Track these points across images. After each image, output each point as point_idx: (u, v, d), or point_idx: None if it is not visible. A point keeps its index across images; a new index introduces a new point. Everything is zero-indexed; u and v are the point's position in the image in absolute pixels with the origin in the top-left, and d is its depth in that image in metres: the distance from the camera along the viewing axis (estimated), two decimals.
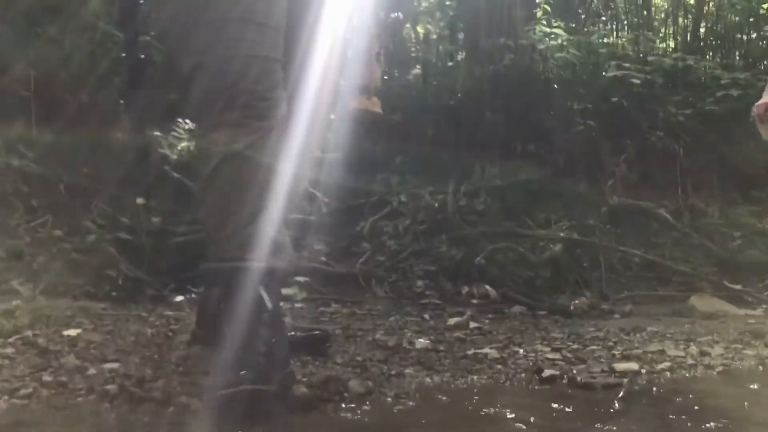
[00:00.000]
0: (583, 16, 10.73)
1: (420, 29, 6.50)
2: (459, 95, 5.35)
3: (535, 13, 5.94)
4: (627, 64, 5.31)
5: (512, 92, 5.45)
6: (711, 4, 6.51)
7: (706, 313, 4.11)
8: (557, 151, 5.28)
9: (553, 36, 5.51)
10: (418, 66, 5.93)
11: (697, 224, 5.16)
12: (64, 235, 3.41)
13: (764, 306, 4.20)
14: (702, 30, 6.67)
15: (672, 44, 6.68)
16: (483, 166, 5.13)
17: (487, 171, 5.11)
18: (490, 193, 5.06)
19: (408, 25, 6.01)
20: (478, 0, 5.75)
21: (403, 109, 5.41)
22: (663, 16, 7.05)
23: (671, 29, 6.82)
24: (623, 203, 5.13)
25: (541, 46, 5.34)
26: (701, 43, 6.51)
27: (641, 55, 5.59)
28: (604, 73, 5.17)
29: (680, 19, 6.68)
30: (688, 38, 6.52)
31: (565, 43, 5.44)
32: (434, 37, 6.07)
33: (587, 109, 5.31)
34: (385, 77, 5.29)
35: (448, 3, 6.19)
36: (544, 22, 5.80)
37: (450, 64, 6.08)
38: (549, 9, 5.93)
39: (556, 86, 5.38)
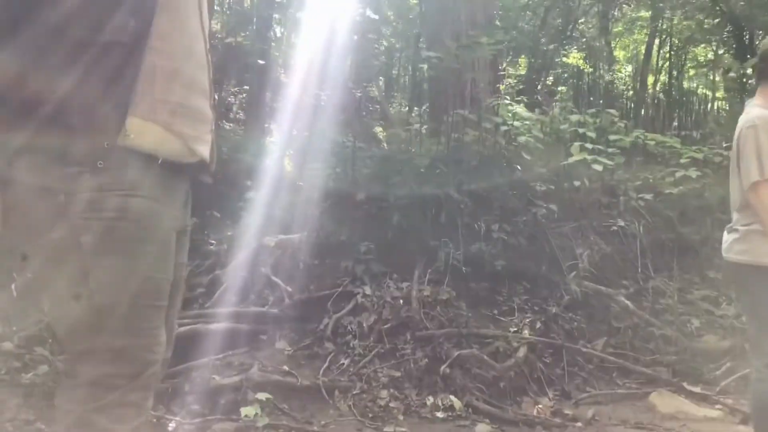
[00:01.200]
0: (545, 93, 10.90)
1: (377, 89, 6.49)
2: (422, 171, 5.33)
3: (498, 87, 5.97)
4: (589, 145, 5.37)
5: (475, 170, 5.47)
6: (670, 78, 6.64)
7: (666, 414, 4.21)
8: (520, 233, 5.30)
9: (516, 116, 5.54)
10: (383, 142, 5.93)
11: (656, 307, 5.24)
12: None
13: (721, 405, 4.28)
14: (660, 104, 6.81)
15: (632, 119, 6.81)
16: (447, 250, 5.13)
17: (452, 255, 5.11)
18: (454, 278, 5.08)
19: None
20: (446, 72, 5.73)
21: (367, 188, 5.38)
22: (624, 91, 7.20)
23: (632, 105, 6.95)
24: (585, 288, 5.18)
25: (505, 128, 5.36)
26: (662, 118, 6.64)
27: (603, 132, 5.66)
28: (567, 161, 5.21)
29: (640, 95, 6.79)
30: (649, 112, 6.65)
31: (528, 123, 5.47)
32: (398, 107, 6.06)
33: (550, 190, 5.35)
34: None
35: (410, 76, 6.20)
36: (508, 98, 5.84)
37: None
38: (513, 83, 5.97)
39: (519, 167, 5.41)
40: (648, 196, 5.31)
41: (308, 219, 5.37)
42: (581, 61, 14.80)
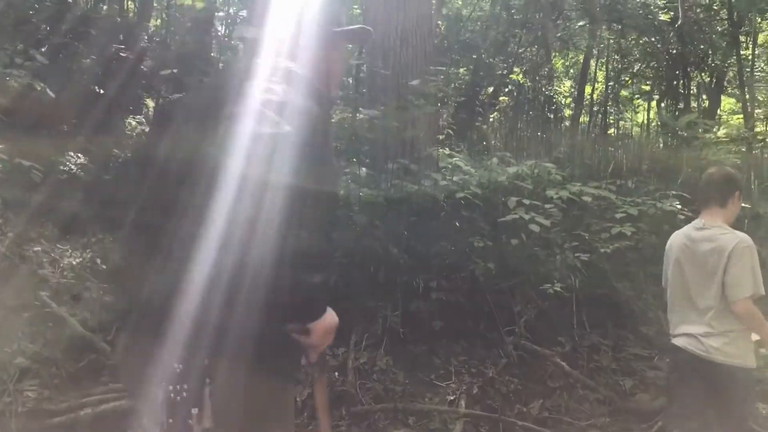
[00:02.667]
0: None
1: None
2: (358, 229, 5.22)
3: (439, 138, 5.91)
4: (527, 201, 5.36)
5: (415, 225, 5.40)
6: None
7: None
8: (458, 291, 5.27)
9: (456, 169, 5.49)
10: None
11: (591, 366, 5.29)
12: None
13: None
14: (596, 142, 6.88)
15: (569, 164, 6.86)
16: (386, 312, 5.06)
17: (389, 317, 5.04)
18: (392, 341, 5.01)
19: None
20: (388, 121, 5.62)
21: None
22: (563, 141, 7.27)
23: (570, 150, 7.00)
24: (521, 348, 5.19)
25: (443, 182, 5.30)
26: (598, 164, 6.71)
27: (540, 186, 5.66)
28: (504, 218, 5.18)
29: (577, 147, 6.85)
30: (582, 154, 6.70)
31: (467, 177, 5.43)
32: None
33: (488, 246, 5.32)
34: None
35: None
36: (447, 150, 5.78)
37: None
38: (452, 132, 5.92)
39: (457, 224, 5.36)
40: (584, 256, 5.34)
41: None
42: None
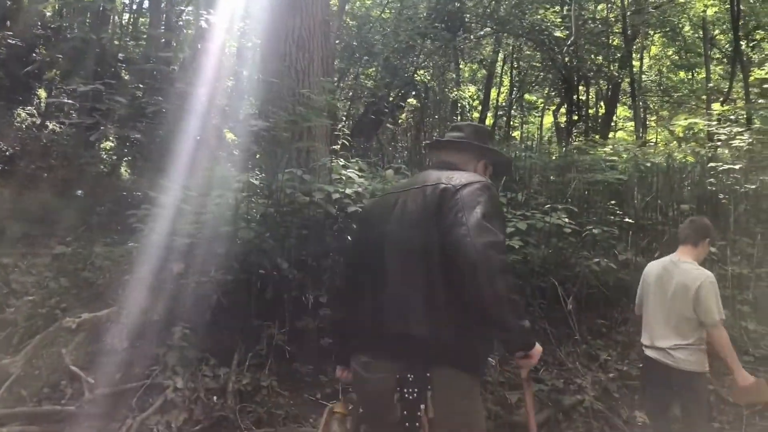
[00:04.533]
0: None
1: None
2: (238, 241, 5.02)
3: (334, 148, 5.78)
4: None
5: (306, 239, 5.26)
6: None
7: None
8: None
9: (349, 181, 5.38)
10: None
11: None
12: None
13: None
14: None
15: None
16: (272, 330, 4.89)
17: (276, 336, 4.88)
18: (277, 360, 4.86)
19: None
20: (279, 132, 5.44)
21: (186, 258, 4.99)
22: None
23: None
24: None
25: (337, 195, 5.18)
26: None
27: None
28: None
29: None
30: None
31: (360, 190, 5.33)
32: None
33: None
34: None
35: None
36: (342, 161, 5.67)
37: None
38: (348, 143, 5.80)
39: (350, 237, 5.25)
40: None
41: (118, 293, 4.92)
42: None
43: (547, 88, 12.72)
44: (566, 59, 8.60)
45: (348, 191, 5.27)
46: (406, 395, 2.04)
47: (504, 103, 16.49)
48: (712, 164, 6.77)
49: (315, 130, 5.72)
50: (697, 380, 3.75)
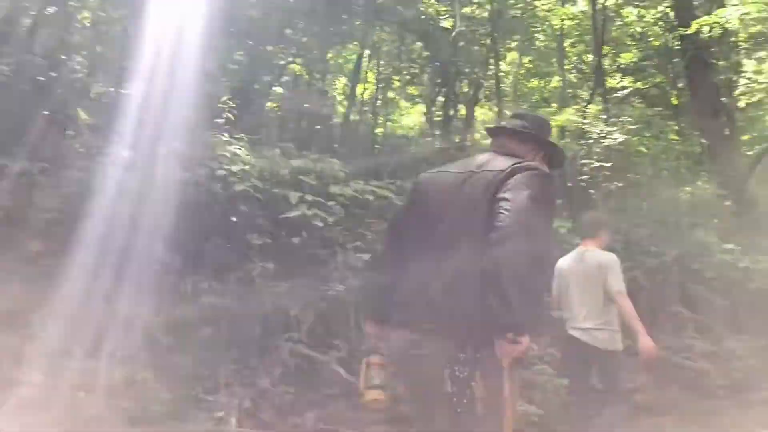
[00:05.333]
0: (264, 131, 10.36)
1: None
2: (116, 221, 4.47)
3: (218, 122, 5.33)
4: (310, 197, 5.03)
5: (178, 219, 4.78)
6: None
7: None
8: (233, 294, 4.77)
9: (235, 158, 4.97)
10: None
11: None
12: None
13: None
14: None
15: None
16: (146, 319, 4.39)
17: (152, 325, 4.38)
18: (153, 352, 4.36)
19: None
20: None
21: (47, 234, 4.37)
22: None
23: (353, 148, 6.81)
24: (298, 355, 4.84)
25: (221, 172, 4.76)
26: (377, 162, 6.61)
27: (323, 182, 5.37)
28: (287, 214, 4.80)
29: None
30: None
31: (247, 168, 4.94)
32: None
33: (267, 245, 4.90)
34: None
35: None
36: (226, 135, 5.24)
37: None
38: (232, 117, 5.37)
39: (234, 219, 4.85)
40: (366, 256, 5.15)
41: None
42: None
43: (421, 85, 12.79)
44: (449, 52, 8.66)
45: (234, 168, 4.87)
46: (457, 373, 2.08)
47: (372, 98, 16.43)
48: (584, 161, 7.05)
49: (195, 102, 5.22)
50: (612, 357, 4.19)
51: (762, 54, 12.28)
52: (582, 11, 15.08)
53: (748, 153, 11.00)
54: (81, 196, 4.50)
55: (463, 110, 15.38)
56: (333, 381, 4.87)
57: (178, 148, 4.94)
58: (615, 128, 6.91)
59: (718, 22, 10.38)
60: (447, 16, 9.05)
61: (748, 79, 12.20)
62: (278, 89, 14.23)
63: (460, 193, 2.23)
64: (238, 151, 5.01)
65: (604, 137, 6.86)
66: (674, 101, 12.41)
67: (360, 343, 5.29)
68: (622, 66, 13.13)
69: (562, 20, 15.74)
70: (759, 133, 12.71)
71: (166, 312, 4.48)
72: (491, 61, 13.28)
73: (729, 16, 10.22)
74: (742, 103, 12.11)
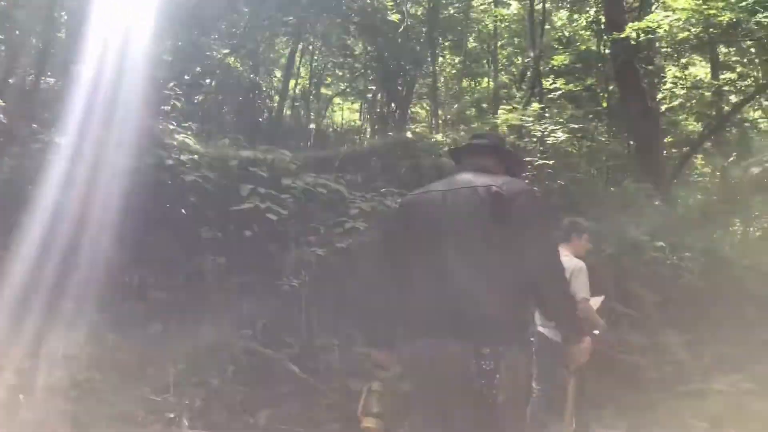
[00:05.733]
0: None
1: None
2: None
3: (165, 109, 5.08)
4: (262, 189, 4.87)
5: (134, 211, 4.53)
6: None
7: None
8: (181, 289, 4.56)
9: (184, 147, 4.74)
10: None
11: (320, 368, 5.00)
12: None
13: None
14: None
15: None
16: (90, 315, 4.13)
17: (96, 322, 4.12)
18: (99, 349, 4.11)
19: None
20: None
21: None
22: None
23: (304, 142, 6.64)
24: (250, 353, 4.68)
25: (170, 161, 4.53)
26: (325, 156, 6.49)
27: (275, 173, 5.21)
28: (239, 206, 4.62)
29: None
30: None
31: (196, 157, 4.73)
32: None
33: (218, 238, 4.70)
34: None
35: None
36: (174, 124, 5.00)
37: None
38: (179, 105, 5.13)
39: (183, 210, 4.63)
40: (320, 251, 5.03)
41: None
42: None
43: (366, 78, 12.68)
44: (392, 48, 8.58)
45: (183, 158, 4.65)
46: (484, 366, 2.24)
47: (301, 93, 16.16)
48: (528, 159, 7.14)
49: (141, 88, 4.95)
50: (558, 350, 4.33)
51: (684, 60, 12.86)
52: (515, 13, 15.37)
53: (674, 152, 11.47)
54: (16, 185, 4.18)
55: (399, 107, 15.37)
56: (286, 379, 4.74)
57: (122, 136, 4.67)
58: (558, 127, 7.04)
59: (649, 27, 10.80)
60: (393, 10, 8.97)
61: (672, 83, 12.74)
62: (212, 81, 13.82)
63: (453, 208, 2.45)
64: (187, 140, 4.78)
65: (548, 135, 6.97)
66: (604, 104, 12.78)
67: (313, 339, 5.20)
68: (554, 68, 13.39)
69: (496, 22, 15.98)
70: (678, 137, 13.34)
71: (111, 308, 4.23)
72: (428, 59, 13.31)
73: (659, 21, 10.65)
74: (663, 107, 12.63)
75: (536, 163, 6.94)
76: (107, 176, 4.54)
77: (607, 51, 12.25)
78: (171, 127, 4.96)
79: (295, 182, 5.18)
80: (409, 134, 6.86)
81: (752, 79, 11.57)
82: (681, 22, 9.84)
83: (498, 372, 2.23)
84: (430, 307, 2.37)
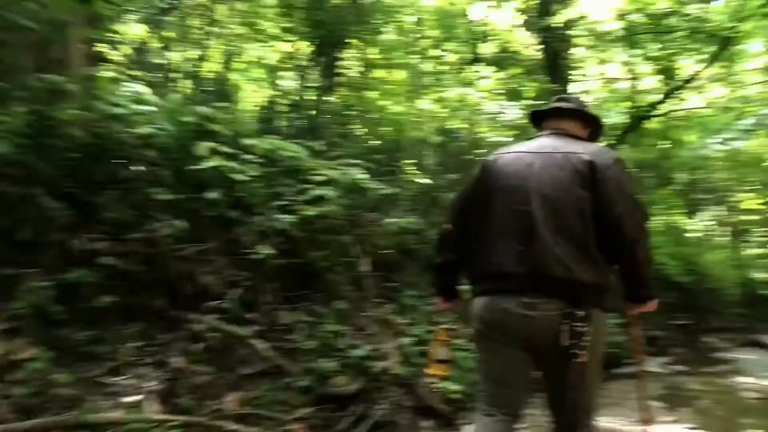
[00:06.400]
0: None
1: None
2: None
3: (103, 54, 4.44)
4: (225, 148, 4.34)
5: (78, 167, 3.91)
6: None
7: None
8: (134, 256, 3.98)
9: (135, 96, 4.15)
10: None
11: (288, 347, 4.54)
12: None
13: None
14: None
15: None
16: (30, 284, 3.49)
17: (37, 291, 3.48)
18: (42, 324, 3.48)
19: None
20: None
21: None
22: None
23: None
24: (211, 329, 4.16)
25: (120, 111, 3.93)
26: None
27: (234, 133, 4.68)
28: (200, 165, 4.08)
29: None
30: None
31: (150, 109, 4.14)
32: None
33: (173, 201, 4.15)
34: None
35: None
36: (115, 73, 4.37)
37: None
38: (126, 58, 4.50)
39: (133, 168, 4.05)
40: (288, 218, 4.56)
41: None
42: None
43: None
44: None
45: (136, 108, 4.06)
46: (575, 327, 2.33)
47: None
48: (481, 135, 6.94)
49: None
50: None
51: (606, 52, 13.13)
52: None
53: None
54: None
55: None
56: (253, 359, 4.25)
57: (55, 81, 4.01)
58: (515, 104, 6.87)
59: (580, 17, 10.95)
60: None
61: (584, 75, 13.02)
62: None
63: (542, 173, 2.49)
64: (139, 89, 4.18)
65: (502, 112, 6.78)
66: (531, 93, 12.84)
67: (279, 317, 4.71)
68: (482, 57, 13.33)
69: (418, 11, 15.78)
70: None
71: (54, 276, 3.60)
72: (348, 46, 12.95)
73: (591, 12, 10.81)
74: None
75: (488, 140, 6.73)
76: (47, 126, 3.89)
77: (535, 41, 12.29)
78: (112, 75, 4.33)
79: (260, 142, 4.68)
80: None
81: (676, 72, 11.95)
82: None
83: (588, 334, 2.34)
84: (514, 265, 2.42)
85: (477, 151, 7.11)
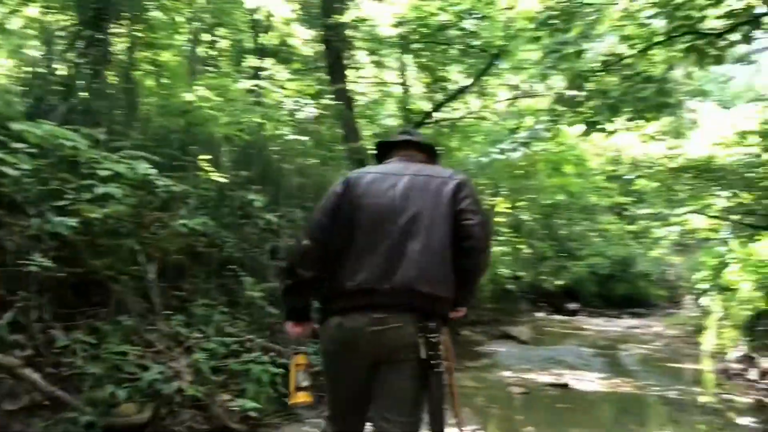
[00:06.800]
0: None
1: None
2: None
3: None
4: None
5: None
6: None
7: None
8: None
9: None
10: None
11: (66, 374, 3.84)
12: None
13: None
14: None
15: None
16: None
17: None
18: None
19: None
20: None
21: None
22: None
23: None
24: None
25: None
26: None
27: None
28: None
29: None
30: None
31: None
32: None
33: None
34: None
35: None
36: None
37: None
38: None
39: None
40: (72, 222, 3.84)
41: None
42: None
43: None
44: None
45: None
46: (430, 339, 2.46)
47: None
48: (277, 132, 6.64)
49: None
50: None
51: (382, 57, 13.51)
52: None
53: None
54: None
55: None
56: (21, 391, 3.51)
57: None
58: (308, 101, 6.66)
59: (362, 20, 11.09)
60: None
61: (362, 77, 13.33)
62: None
63: (416, 193, 2.63)
64: None
65: (299, 110, 6.56)
66: (314, 90, 12.72)
67: (52, 338, 3.98)
68: (262, 47, 12.88)
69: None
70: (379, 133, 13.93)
71: None
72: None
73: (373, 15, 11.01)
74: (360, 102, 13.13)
75: (287, 138, 6.46)
76: None
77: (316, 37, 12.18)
78: None
79: (33, 128, 3.90)
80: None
81: (451, 81, 12.66)
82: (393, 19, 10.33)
83: (440, 344, 2.49)
84: (376, 283, 2.49)
85: (274, 148, 6.77)
